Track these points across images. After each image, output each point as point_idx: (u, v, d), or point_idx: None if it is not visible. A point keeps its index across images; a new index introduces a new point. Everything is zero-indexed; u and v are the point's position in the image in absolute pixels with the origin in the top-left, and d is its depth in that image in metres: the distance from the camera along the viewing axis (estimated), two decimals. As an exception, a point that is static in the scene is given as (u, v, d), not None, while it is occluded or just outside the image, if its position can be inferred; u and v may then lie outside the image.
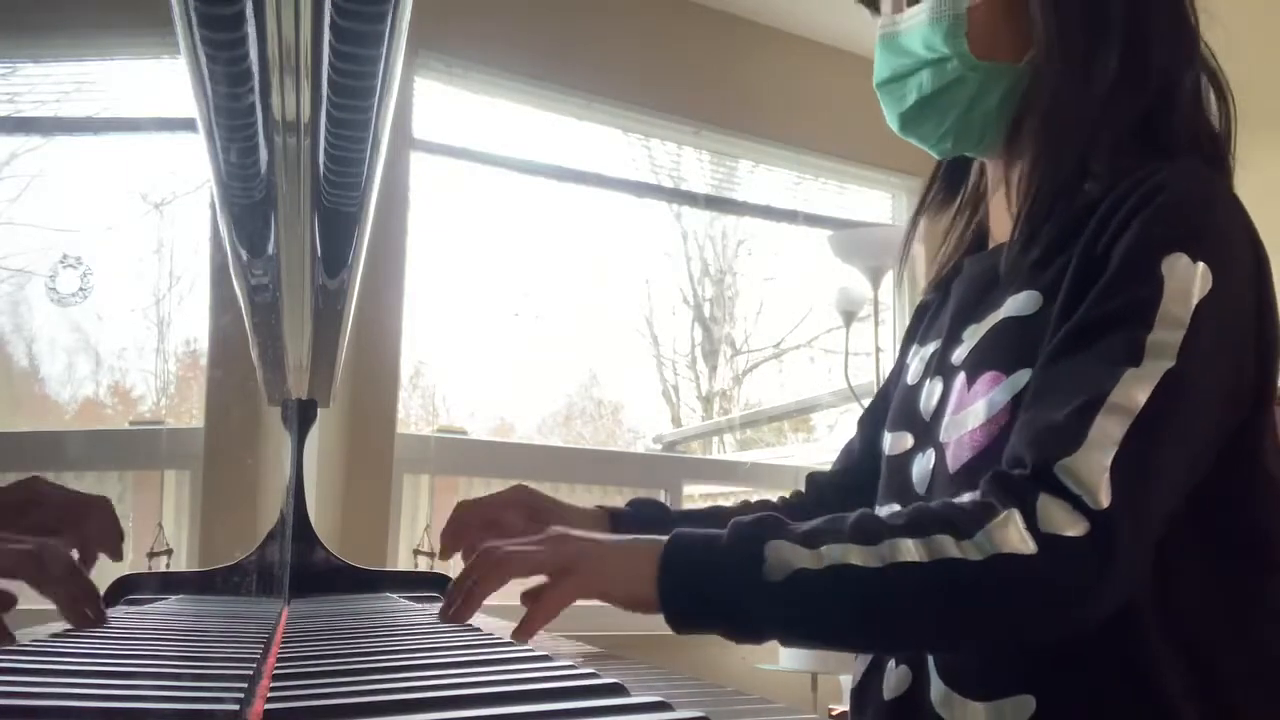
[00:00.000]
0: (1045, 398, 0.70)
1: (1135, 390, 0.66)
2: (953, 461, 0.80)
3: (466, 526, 0.91)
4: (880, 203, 3.39)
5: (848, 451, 1.05)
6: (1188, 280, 0.68)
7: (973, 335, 0.83)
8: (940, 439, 0.82)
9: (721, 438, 3.44)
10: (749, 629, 0.68)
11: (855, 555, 0.65)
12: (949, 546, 0.64)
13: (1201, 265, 0.68)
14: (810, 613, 0.66)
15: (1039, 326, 0.76)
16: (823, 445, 3.50)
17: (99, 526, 0.86)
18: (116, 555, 0.88)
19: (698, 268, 3.46)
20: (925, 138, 0.88)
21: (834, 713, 2.34)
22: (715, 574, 0.67)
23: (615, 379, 3.34)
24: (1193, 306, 0.67)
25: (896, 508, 0.86)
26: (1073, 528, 0.63)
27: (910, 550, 0.64)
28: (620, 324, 3.26)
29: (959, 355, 0.84)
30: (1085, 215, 0.75)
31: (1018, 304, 0.79)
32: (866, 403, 1.08)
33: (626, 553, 0.71)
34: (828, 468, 1.08)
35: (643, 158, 3.11)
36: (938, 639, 0.71)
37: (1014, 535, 0.64)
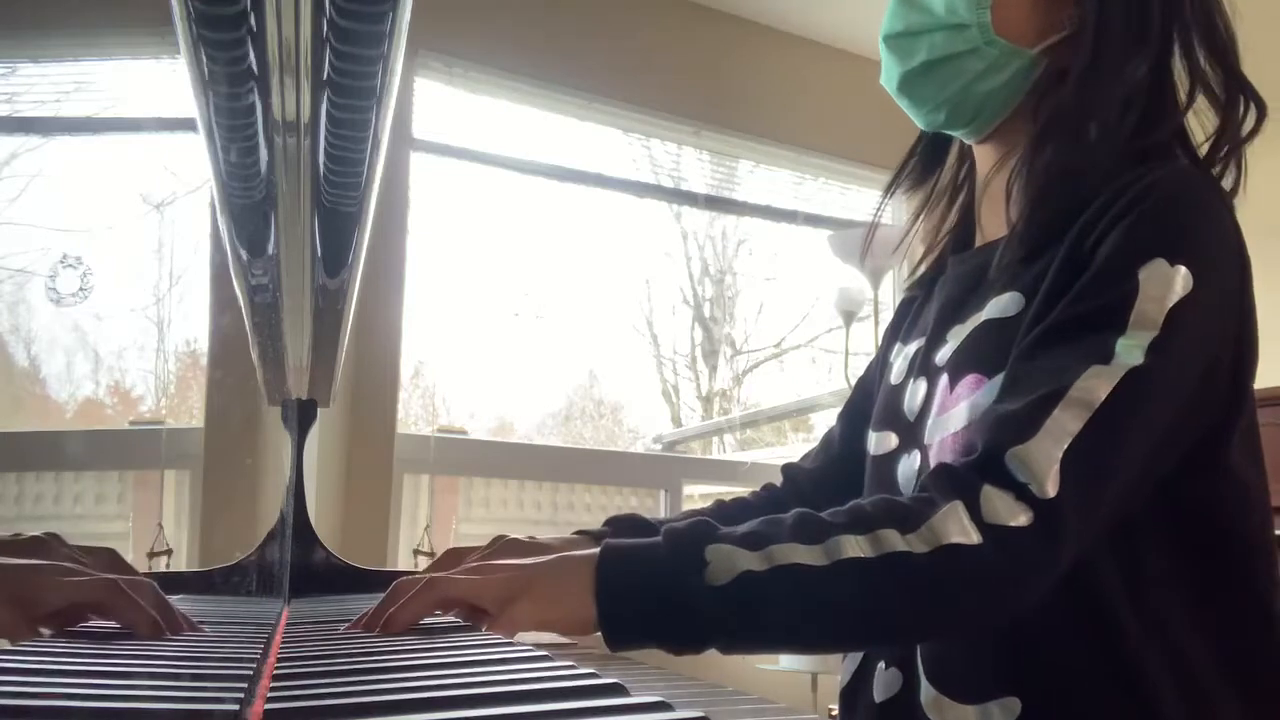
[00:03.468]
0: (1010, 391, 0.70)
1: (1097, 385, 0.66)
2: (935, 463, 0.79)
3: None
4: (880, 203, 3.38)
5: (827, 444, 1.05)
6: (1165, 284, 0.68)
7: (956, 336, 0.83)
8: (925, 440, 0.82)
9: (721, 438, 3.44)
10: (693, 637, 0.65)
11: (801, 554, 0.64)
12: (895, 540, 0.64)
13: (1182, 269, 0.68)
14: (759, 615, 0.64)
15: (1019, 327, 0.75)
16: (823, 445, 3.49)
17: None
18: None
19: (698, 268, 3.46)
20: (920, 103, 0.87)
21: (834, 713, 2.34)
22: (656, 582, 0.64)
23: (615, 379, 3.34)
24: (1167, 309, 0.67)
25: None
26: (1016, 517, 0.63)
27: (855, 546, 0.64)
28: (620, 324, 3.26)
29: (943, 356, 0.84)
30: (1072, 216, 0.75)
31: (1000, 305, 0.79)
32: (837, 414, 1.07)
33: (556, 573, 0.67)
34: (801, 460, 1.08)
35: (643, 158, 3.11)
36: (885, 633, 0.71)
37: (958, 526, 0.63)
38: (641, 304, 3.35)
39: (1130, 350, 0.67)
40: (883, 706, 0.81)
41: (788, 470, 1.07)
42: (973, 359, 0.79)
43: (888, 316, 3.54)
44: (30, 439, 2.48)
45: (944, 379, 0.82)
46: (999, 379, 0.74)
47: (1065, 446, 0.64)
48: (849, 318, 2.87)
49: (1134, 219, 0.71)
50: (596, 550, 0.66)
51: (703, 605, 0.63)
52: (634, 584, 0.65)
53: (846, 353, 2.88)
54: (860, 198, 3.36)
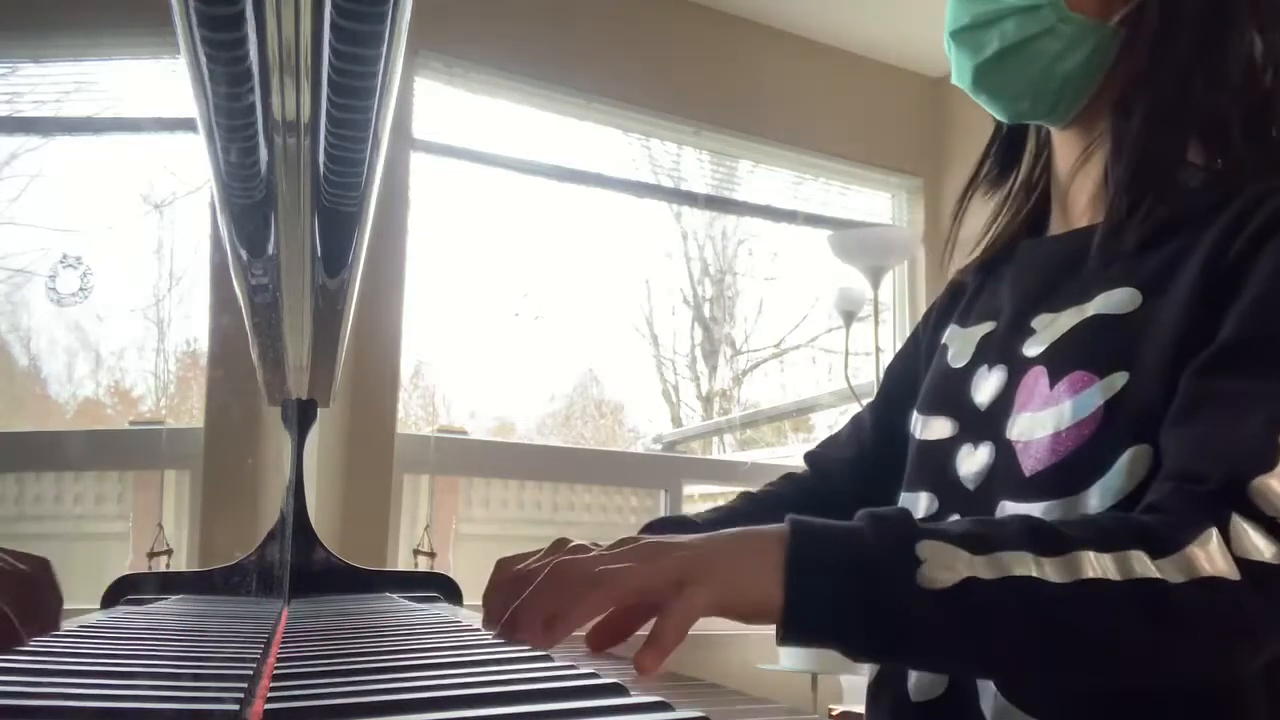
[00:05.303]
0: (1210, 412, 0.65)
1: None
2: (1029, 464, 0.74)
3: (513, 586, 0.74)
4: (880, 203, 3.39)
5: (857, 430, 1.00)
6: None
7: (1049, 327, 0.78)
8: (1008, 436, 0.77)
9: (721, 438, 3.44)
10: (890, 643, 0.58)
11: (1035, 567, 0.57)
12: (1145, 564, 0.57)
13: None
14: (980, 631, 0.57)
15: (1136, 325, 0.71)
16: (823, 445, 3.49)
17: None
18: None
19: (698, 268, 3.46)
20: (999, 95, 0.84)
21: (834, 713, 2.34)
22: (858, 575, 0.56)
23: (615, 379, 3.34)
24: None
25: (924, 497, 0.83)
26: (1268, 553, 0.58)
27: (1099, 565, 0.57)
28: (620, 324, 3.26)
29: (1034, 347, 0.78)
30: (1199, 213, 0.72)
31: (1111, 301, 0.74)
32: (866, 403, 1.05)
33: (738, 551, 0.59)
34: (820, 448, 1.04)
35: (643, 158, 3.11)
36: (1119, 665, 0.61)
37: (1216, 558, 0.57)
38: (641, 304, 3.35)
39: None
40: (921, 707, 0.76)
41: (813, 459, 1.03)
42: (1079, 355, 0.74)
43: (888, 316, 3.52)
44: (30, 439, 2.49)
45: (1038, 373, 0.77)
46: (1111, 378, 0.71)
47: None
48: (849, 318, 2.87)
49: None
50: (782, 526, 0.58)
51: (915, 610, 0.56)
52: (833, 575, 0.57)
53: (846, 353, 2.88)
54: (860, 198, 3.36)
